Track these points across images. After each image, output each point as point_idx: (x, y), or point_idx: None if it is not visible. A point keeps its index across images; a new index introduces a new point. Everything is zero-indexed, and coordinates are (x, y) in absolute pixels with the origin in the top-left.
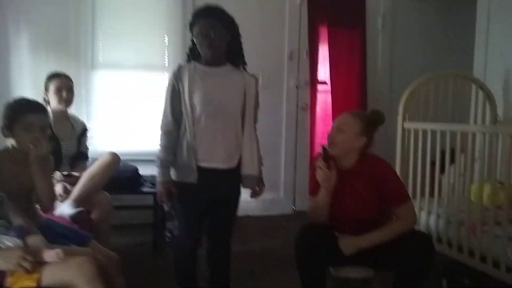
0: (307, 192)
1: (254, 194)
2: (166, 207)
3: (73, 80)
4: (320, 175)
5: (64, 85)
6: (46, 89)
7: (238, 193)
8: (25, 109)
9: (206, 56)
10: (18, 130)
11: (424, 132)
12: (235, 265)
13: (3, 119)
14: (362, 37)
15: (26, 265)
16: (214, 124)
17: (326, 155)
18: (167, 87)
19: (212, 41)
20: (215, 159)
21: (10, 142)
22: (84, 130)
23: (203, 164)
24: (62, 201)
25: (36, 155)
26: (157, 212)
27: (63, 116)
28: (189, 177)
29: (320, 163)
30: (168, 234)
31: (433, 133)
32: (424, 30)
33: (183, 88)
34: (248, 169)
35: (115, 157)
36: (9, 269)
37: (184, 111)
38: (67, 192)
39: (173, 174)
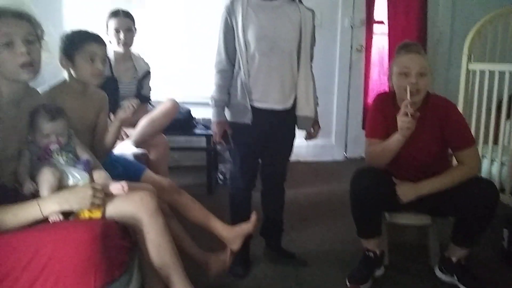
0: (359, 138)
1: (309, 136)
2: (219, 148)
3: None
4: (405, 121)
5: (121, 26)
6: (106, 26)
7: (293, 135)
8: (89, 38)
9: None
10: (80, 60)
11: (491, 73)
12: (287, 209)
13: (63, 48)
14: None
15: (97, 202)
16: (269, 62)
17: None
18: (220, 23)
19: None
20: (270, 99)
21: (66, 74)
22: (146, 73)
23: (258, 104)
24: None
25: (123, 118)
26: (210, 154)
27: (126, 57)
28: (243, 118)
29: (409, 109)
30: (221, 176)
31: (501, 74)
32: None
33: (236, 23)
34: (304, 110)
35: (175, 104)
36: (83, 208)
37: (238, 48)
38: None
39: (227, 114)
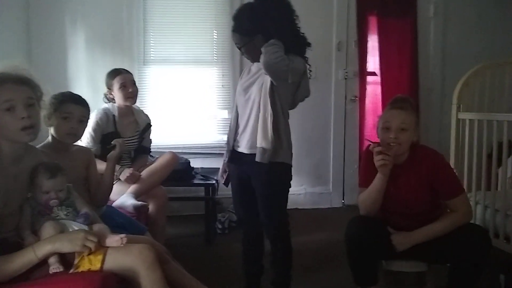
0: (356, 185)
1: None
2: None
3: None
4: (379, 159)
5: (127, 80)
6: (109, 87)
7: (269, 182)
8: (67, 99)
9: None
10: (57, 119)
11: (480, 122)
12: None
13: (47, 109)
14: (413, 26)
15: (90, 244)
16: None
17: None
18: None
19: (244, 54)
20: (242, 145)
21: (50, 133)
22: (147, 126)
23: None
24: (129, 182)
25: (118, 154)
26: (208, 203)
27: (128, 112)
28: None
29: (377, 148)
30: (219, 226)
31: (489, 123)
32: (478, 16)
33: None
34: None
35: (174, 157)
36: (75, 250)
37: None
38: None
39: None
